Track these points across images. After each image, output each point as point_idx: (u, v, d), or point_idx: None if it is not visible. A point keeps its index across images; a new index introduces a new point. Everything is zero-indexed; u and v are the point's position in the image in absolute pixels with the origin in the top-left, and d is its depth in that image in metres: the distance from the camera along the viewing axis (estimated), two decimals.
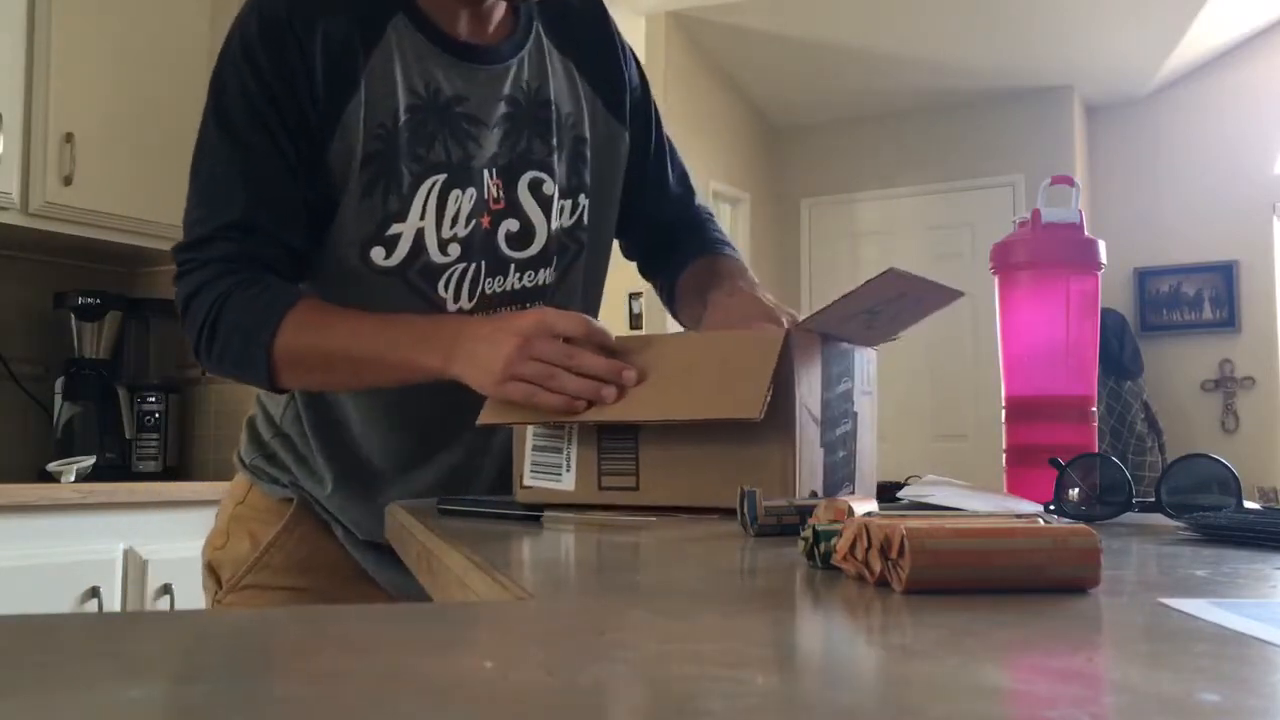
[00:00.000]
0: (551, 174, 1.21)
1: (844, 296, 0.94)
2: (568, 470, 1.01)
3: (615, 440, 0.99)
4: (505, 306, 1.18)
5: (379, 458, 1.22)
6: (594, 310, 1.31)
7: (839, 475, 1.02)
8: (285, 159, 1.10)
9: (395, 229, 1.12)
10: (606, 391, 0.97)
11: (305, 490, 1.24)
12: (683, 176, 1.40)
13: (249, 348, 1.08)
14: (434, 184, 1.13)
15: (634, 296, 4.26)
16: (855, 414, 1.06)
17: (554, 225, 1.21)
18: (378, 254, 1.12)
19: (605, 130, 1.28)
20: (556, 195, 1.21)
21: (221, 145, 1.11)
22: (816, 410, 0.99)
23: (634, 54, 1.35)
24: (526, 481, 1.02)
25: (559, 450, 1.01)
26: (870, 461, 1.09)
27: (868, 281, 0.93)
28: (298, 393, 1.23)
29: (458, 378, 1.02)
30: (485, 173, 1.16)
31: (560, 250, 1.22)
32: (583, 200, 1.24)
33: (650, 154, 1.34)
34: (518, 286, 1.19)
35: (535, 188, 1.20)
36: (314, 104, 1.09)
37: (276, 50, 1.09)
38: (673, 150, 1.39)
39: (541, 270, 1.21)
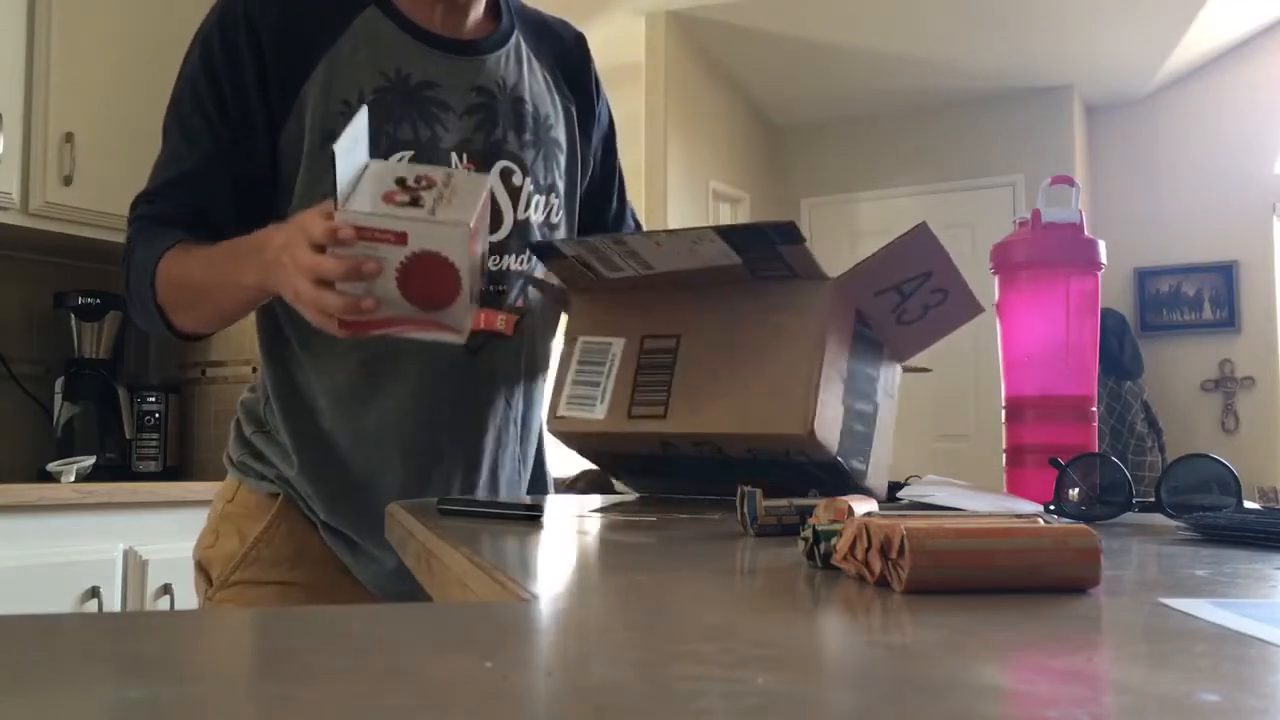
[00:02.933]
0: (524, 167, 1.25)
1: (875, 254, 0.97)
2: (602, 401, 1.06)
3: (651, 375, 1.05)
4: None
5: (337, 431, 1.22)
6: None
7: (855, 444, 1.05)
8: (218, 141, 1.17)
9: None
10: (367, 303, 0.96)
11: (289, 482, 1.25)
12: (632, 214, 1.46)
13: (143, 295, 1.16)
14: (400, 160, 1.16)
15: None
16: (877, 404, 1.10)
17: (522, 215, 1.24)
18: None
19: (578, 147, 1.34)
20: (531, 189, 1.25)
21: (170, 125, 1.21)
22: (843, 369, 1.02)
23: (608, 101, 1.42)
24: (561, 411, 1.08)
25: (597, 383, 1.07)
26: (885, 462, 1.13)
27: (900, 236, 0.97)
28: (268, 379, 1.25)
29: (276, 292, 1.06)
30: (454, 155, 1.20)
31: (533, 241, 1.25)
32: (554, 200, 1.28)
33: (600, 190, 1.40)
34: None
35: (505, 177, 1.23)
36: (264, 93, 1.16)
37: (230, 42, 1.16)
38: (622, 190, 1.44)
39: (507, 256, 1.23)
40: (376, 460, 1.22)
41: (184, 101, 1.19)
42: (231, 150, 1.17)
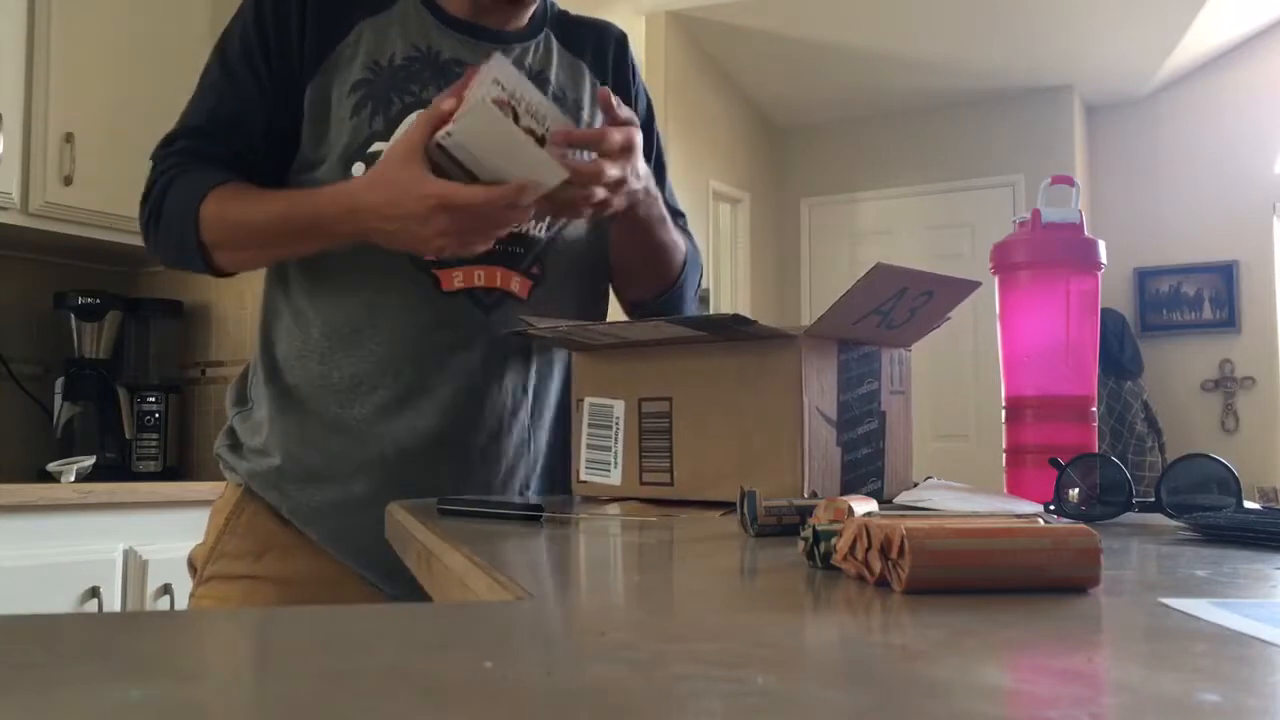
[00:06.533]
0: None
1: (840, 299, 0.97)
2: (615, 466, 1.12)
3: (653, 440, 1.09)
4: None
5: (317, 381, 1.22)
6: (600, 296, 1.34)
7: (863, 471, 1.07)
8: (261, 89, 1.21)
9: (377, 146, 1.18)
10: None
11: (258, 456, 1.25)
12: (673, 209, 1.43)
13: (183, 229, 1.18)
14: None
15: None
16: (882, 413, 1.10)
17: None
18: (358, 169, 1.18)
19: None
20: None
21: (211, 72, 1.25)
22: (832, 411, 1.04)
23: (646, 90, 1.42)
24: (583, 477, 1.14)
25: (608, 447, 1.12)
26: (904, 458, 1.14)
27: (858, 281, 0.97)
28: (258, 342, 1.28)
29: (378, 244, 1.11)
30: None
31: None
32: None
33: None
34: None
35: None
36: (301, 50, 1.20)
37: (280, 2, 1.21)
38: (669, 188, 1.42)
39: (529, 221, 1.22)
40: (356, 407, 1.21)
41: (231, 50, 1.22)
42: (273, 101, 1.20)
